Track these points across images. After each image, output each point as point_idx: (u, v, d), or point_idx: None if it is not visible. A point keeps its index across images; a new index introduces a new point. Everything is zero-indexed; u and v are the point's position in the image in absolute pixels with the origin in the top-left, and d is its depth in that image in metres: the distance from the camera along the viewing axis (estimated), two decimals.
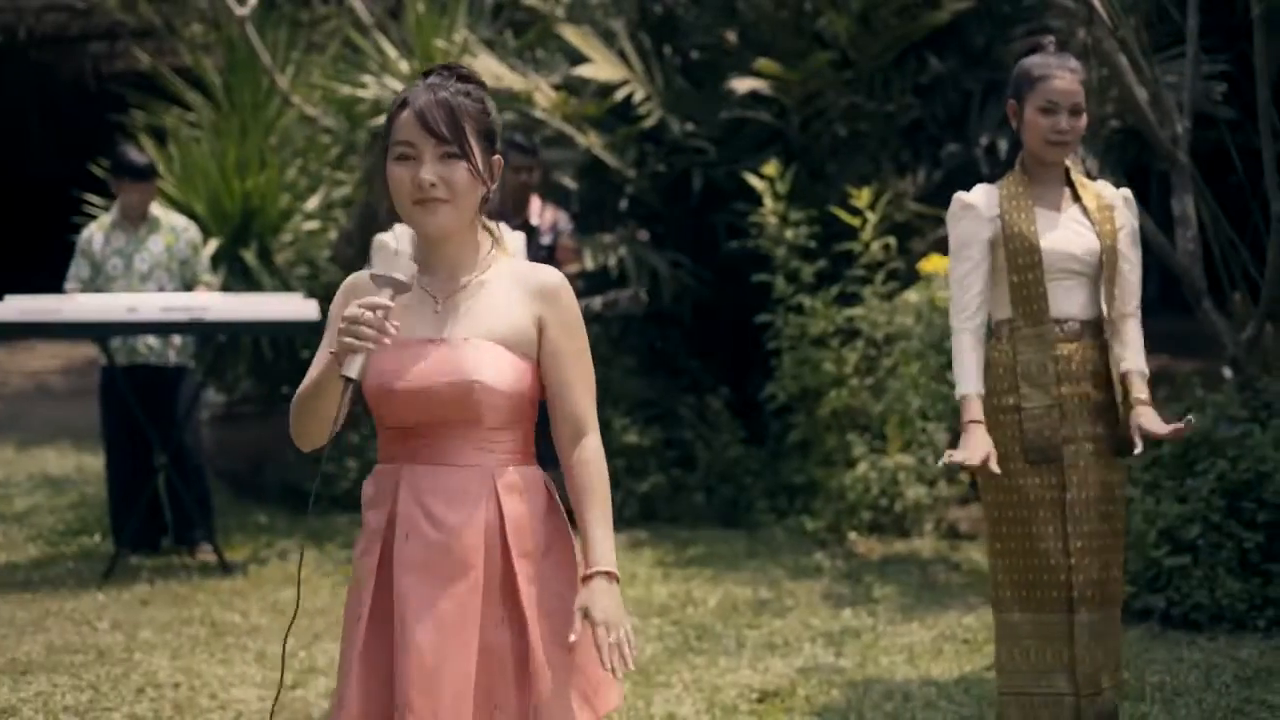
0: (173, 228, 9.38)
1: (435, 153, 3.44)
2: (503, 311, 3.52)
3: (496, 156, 3.55)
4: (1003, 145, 10.64)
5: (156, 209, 9.44)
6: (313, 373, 3.49)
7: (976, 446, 5.15)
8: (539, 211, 8.94)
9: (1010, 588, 5.34)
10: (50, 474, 12.05)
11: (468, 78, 3.54)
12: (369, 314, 3.32)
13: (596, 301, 8.99)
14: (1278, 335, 8.53)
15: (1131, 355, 5.37)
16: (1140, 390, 5.32)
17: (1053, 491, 5.25)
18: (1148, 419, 5.25)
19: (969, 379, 5.26)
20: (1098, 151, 10.13)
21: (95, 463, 12.02)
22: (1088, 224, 5.32)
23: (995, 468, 5.13)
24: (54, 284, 9.38)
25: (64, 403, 15.12)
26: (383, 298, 3.37)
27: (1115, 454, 5.35)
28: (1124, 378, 5.35)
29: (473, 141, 3.47)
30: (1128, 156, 11.08)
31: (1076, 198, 5.39)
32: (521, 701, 3.49)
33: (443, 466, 3.49)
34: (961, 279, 5.33)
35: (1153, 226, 8.23)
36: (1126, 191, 5.50)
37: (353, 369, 3.34)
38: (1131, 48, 8.15)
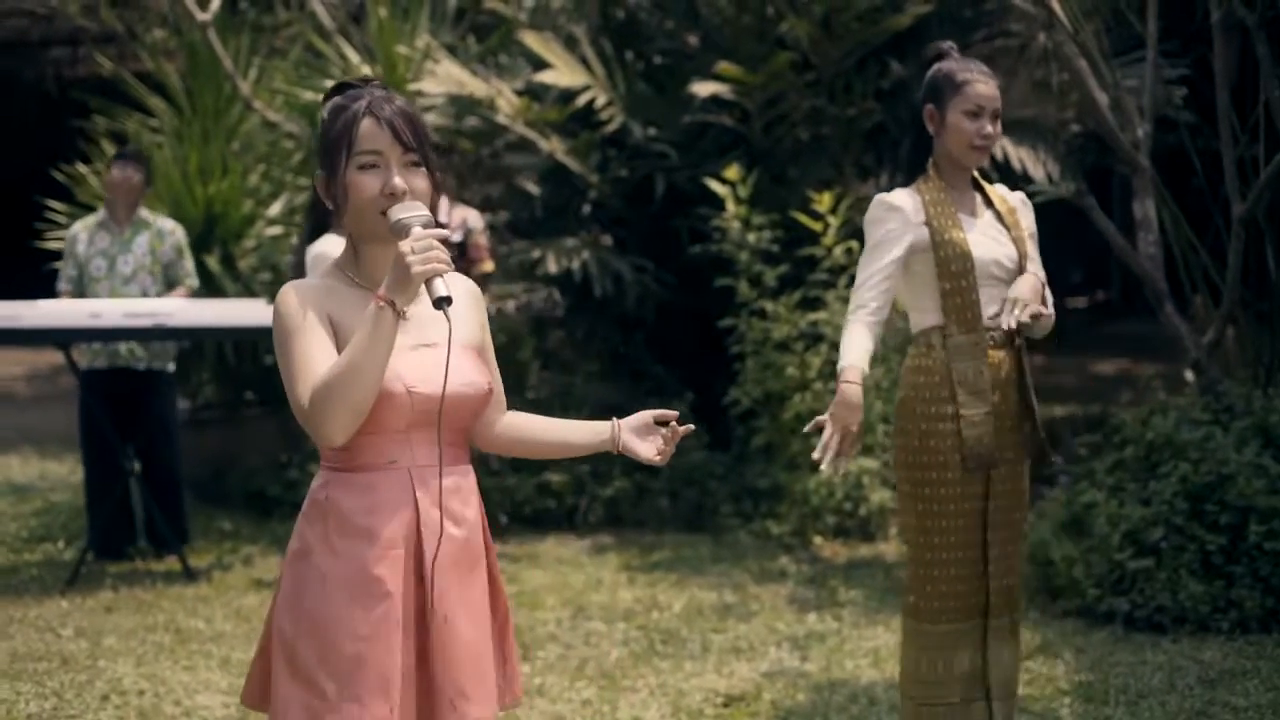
0: (159, 230, 9.36)
1: (401, 161, 3.51)
2: (466, 318, 3.66)
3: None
4: None
5: (144, 211, 9.42)
6: (353, 345, 3.42)
7: (846, 414, 5.08)
8: (446, 210, 8.87)
9: (937, 598, 5.32)
10: (14, 480, 11.98)
11: (389, 91, 3.64)
12: (431, 241, 3.41)
13: (509, 303, 9.05)
14: (1239, 338, 8.58)
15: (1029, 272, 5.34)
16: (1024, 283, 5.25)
17: (977, 501, 5.27)
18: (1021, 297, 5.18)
19: (854, 353, 5.16)
20: (1059, 155, 10.19)
21: (59, 469, 11.99)
22: (1003, 230, 5.34)
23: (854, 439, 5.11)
24: (15, 288, 9.34)
25: (27, 409, 15.07)
26: (418, 231, 3.45)
27: (1029, 461, 5.40)
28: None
29: (429, 152, 3.57)
30: (1088, 160, 11.15)
31: (989, 204, 5.41)
32: (501, 668, 3.79)
33: (450, 466, 3.60)
34: (870, 276, 5.24)
35: (1114, 230, 8.28)
36: (1022, 194, 5.52)
37: (442, 289, 3.40)
38: (1092, 52, 8.19)
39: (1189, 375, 8.41)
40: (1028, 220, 5.43)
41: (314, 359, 3.46)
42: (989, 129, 5.25)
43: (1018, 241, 5.31)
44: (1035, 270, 5.34)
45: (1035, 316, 5.16)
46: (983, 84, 5.26)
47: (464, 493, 3.63)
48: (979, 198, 5.40)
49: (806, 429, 5.20)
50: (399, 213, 3.46)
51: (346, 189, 3.52)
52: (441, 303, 3.39)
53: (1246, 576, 7.28)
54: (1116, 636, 7.32)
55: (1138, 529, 7.45)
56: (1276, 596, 7.25)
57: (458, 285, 3.66)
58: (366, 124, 3.51)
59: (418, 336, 3.55)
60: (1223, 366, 8.40)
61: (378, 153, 3.50)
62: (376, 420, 3.49)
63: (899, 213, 5.26)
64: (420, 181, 3.53)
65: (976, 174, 5.42)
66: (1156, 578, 7.36)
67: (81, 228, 9.37)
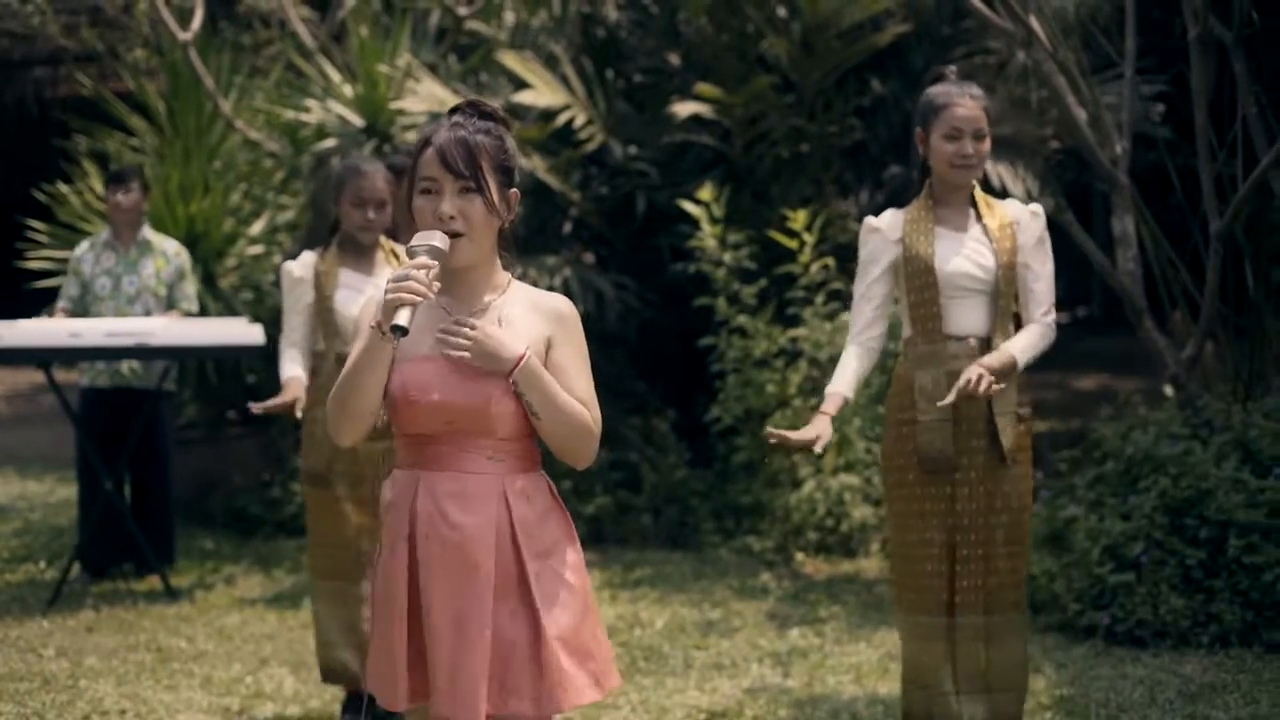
0: (164, 252, 9.41)
1: (454, 187, 3.81)
2: (516, 332, 3.86)
3: (514, 190, 3.89)
4: None
5: (149, 232, 9.46)
6: (351, 357, 3.80)
7: (809, 429, 5.34)
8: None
9: (901, 589, 5.62)
10: None
11: (490, 115, 3.91)
12: (417, 272, 3.66)
13: None
14: (1218, 354, 8.61)
15: (1009, 344, 5.44)
16: (992, 357, 5.35)
17: (943, 502, 5.47)
18: (972, 368, 5.28)
19: (842, 380, 5.51)
20: (1038, 172, 10.22)
21: (40, 489, 11.97)
22: (987, 243, 5.49)
23: (818, 448, 5.31)
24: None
25: (7, 429, 15.03)
26: (424, 260, 3.72)
27: (1003, 464, 5.51)
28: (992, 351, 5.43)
29: (489, 177, 3.82)
30: (1068, 177, 11.19)
31: (980, 218, 5.52)
32: (535, 685, 3.87)
33: (458, 473, 3.86)
34: (860, 296, 5.60)
35: (1094, 246, 8.31)
36: (1036, 206, 5.68)
37: (403, 318, 3.63)
38: (1070, 69, 8.22)
39: (1168, 390, 8.44)
40: (1031, 231, 5.54)
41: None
42: (968, 149, 5.46)
43: (1000, 254, 5.45)
44: (1033, 280, 5.52)
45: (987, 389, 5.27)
46: (962, 107, 5.45)
47: (466, 498, 3.84)
48: (972, 213, 5.52)
49: (771, 440, 5.31)
50: (416, 239, 3.75)
51: (414, 212, 3.82)
52: (395, 330, 3.62)
53: (1226, 591, 7.30)
54: (1097, 651, 7.34)
55: (1118, 543, 7.47)
56: (1256, 610, 7.27)
57: (534, 297, 3.93)
58: (428, 153, 3.84)
59: (431, 347, 3.82)
60: (1202, 382, 8.43)
61: (432, 179, 3.80)
62: (397, 424, 3.90)
63: (878, 233, 5.57)
64: (474, 208, 3.81)
65: (978, 190, 5.55)
66: (1136, 592, 7.39)
67: (88, 247, 9.40)
